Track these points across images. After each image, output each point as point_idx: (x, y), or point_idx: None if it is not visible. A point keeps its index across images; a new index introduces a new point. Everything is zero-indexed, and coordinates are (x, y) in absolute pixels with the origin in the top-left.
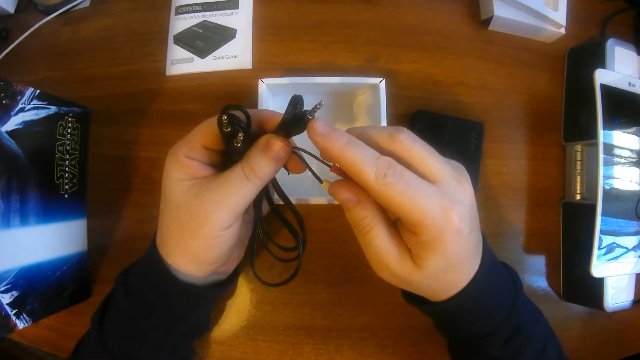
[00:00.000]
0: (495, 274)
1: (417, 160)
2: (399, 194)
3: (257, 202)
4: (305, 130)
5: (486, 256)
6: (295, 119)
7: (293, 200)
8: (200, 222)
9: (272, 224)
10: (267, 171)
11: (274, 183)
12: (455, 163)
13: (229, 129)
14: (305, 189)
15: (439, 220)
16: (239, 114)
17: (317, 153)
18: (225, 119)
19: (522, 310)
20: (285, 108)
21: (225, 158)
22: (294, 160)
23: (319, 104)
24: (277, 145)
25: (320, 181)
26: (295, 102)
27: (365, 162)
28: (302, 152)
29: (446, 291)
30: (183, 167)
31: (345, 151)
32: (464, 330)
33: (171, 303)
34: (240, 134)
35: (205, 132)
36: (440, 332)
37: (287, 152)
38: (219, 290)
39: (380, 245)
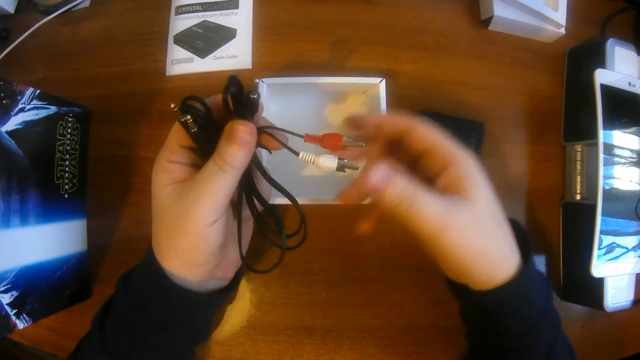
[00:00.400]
0: (534, 264)
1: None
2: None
3: (240, 185)
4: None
5: (529, 250)
6: (238, 100)
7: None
8: (184, 221)
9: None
10: (238, 158)
11: (259, 169)
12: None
13: (183, 118)
14: (305, 189)
15: (448, 147)
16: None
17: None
18: (174, 107)
19: (552, 303)
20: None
21: (203, 156)
22: (268, 138)
23: (255, 82)
24: (240, 130)
25: (297, 153)
26: (227, 85)
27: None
28: (274, 130)
29: (496, 254)
30: (165, 172)
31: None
32: (515, 318)
33: (169, 307)
34: (189, 117)
35: (177, 131)
36: (473, 328)
37: (252, 134)
38: (217, 297)
39: (432, 203)
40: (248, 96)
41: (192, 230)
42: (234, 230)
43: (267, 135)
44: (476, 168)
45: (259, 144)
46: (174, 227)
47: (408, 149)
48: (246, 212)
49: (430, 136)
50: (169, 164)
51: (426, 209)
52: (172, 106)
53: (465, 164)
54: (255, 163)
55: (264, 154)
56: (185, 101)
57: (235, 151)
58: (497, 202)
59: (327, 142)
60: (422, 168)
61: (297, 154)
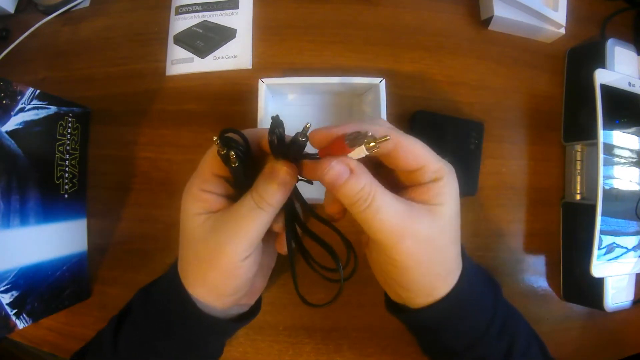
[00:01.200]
0: (477, 273)
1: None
2: (403, 147)
3: (287, 220)
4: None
5: (466, 259)
6: (281, 143)
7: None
8: (218, 255)
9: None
10: (277, 197)
11: (300, 201)
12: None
13: (224, 151)
14: (304, 190)
15: (439, 162)
16: (237, 137)
17: None
18: (216, 140)
19: (504, 307)
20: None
21: (237, 188)
22: (309, 169)
23: (307, 126)
24: (282, 171)
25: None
26: (273, 127)
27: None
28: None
29: (444, 280)
30: (198, 201)
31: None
32: (456, 332)
33: (191, 331)
34: (232, 153)
35: (211, 159)
36: (423, 344)
37: (293, 176)
38: (241, 324)
39: (390, 205)
40: (297, 138)
41: (225, 265)
42: (261, 259)
43: (307, 164)
44: (452, 180)
45: (301, 176)
46: (206, 260)
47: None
48: (269, 246)
49: (414, 155)
50: (202, 193)
51: (385, 211)
52: (214, 139)
53: (444, 179)
54: (297, 199)
55: None
56: (224, 133)
57: (275, 191)
58: (459, 216)
59: (334, 151)
60: (386, 170)
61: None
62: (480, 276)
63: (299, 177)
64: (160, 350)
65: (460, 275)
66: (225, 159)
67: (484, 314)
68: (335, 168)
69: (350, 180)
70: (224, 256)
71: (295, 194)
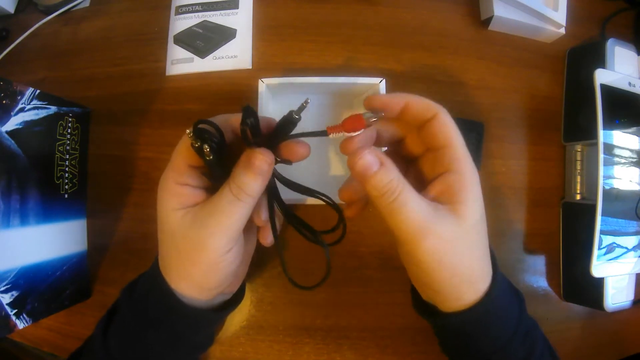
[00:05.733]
0: (504, 281)
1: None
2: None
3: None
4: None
5: (496, 266)
6: (255, 131)
7: (292, 201)
8: (199, 250)
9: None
10: (254, 187)
11: (275, 195)
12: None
13: (198, 144)
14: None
15: (467, 162)
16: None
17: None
18: (189, 133)
19: (527, 317)
20: (281, 113)
21: (214, 179)
22: (289, 150)
23: (305, 102)
24: (258, 159)
25: (326, 134)
26: (245, 117)
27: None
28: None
29: (470, 285)
30: (175, 195)
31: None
32: (485, 338)
33: (177, 325)
34: (206, 146)
35: (185, 150)
36: (447, 346)
37: (270, 164)
38: (225, 313)
39: (415, 202)
40: (291, 115)
41: (207, 260)
42: (245, 251)
43: (288, 145)
44: (476, 182)
45: (280, 158)
46: (187, 255)
47: (413, 145)
48: (251, 235)
49: (448, 130)
50: (177, 187)
51: (410, 207)
52: (187, 132)
53: (466, 175)
54: (272, 188)
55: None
56: (197, 125)
57: (252, 180)
58: (484, 222)
59: (349, 125)
60: (414, 172)
61: (327, 134)
62: (507, 284)
63: (278, 159)
64: (150, 343)
65: (492, 282)
66: (200, 152)
67: (509, 320)
68: (366, 158)
69: (380, 172)
70: (206, 251)
71: (270, 186)
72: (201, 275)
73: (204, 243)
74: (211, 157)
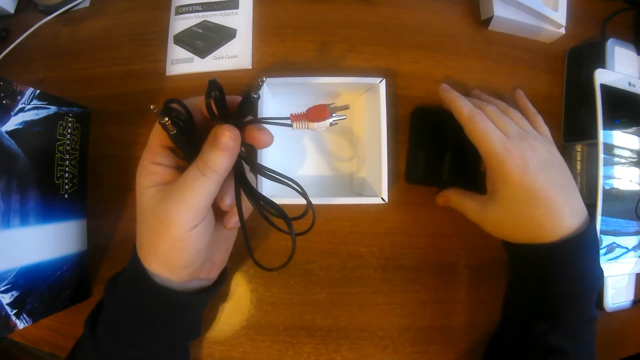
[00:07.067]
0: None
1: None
2: (478, 130)
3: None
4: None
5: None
6: (220, 104)
7: (292, 201)
8: (166, 226)
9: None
10: (221, 163)
11: (242, 179)
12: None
13: (164, 120)
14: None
15: (502, 152)
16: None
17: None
18: (154, 108)
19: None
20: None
21: (185, 159)
22: (252, 135)
23: (261, 80)
24: (224, 135)
25: (290, 125)
26: (210, 90)
27: (464, 105)
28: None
29: (539, 230)
30: (149, 174)
31: (454, 98)
32: (576, 272)
33: (154, 307)
34: (167, 119)
35: (159, 131)
36: (524, 280)
37: (236, 139)
38: (201, 296)
39: (470, 205)
40: (250, 95)
41: (173, 234)
42: (216, 233)
43: (251, 130)
44: (502, 172)
45: (244, 143)
46: (155, 231)
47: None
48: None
49: (472, 138)
50: (152, 166)
51: (468, 209)
52: (152, 107)
53: (494, 170)
54: (238, 167)
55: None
56: (167, 104)
57: (219, 156)
58: (527, 191)
59: (313, 114)
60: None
61: (291, 125)
62: (595, 254)
63: (245, 143)
64: (132, 333)
65: (585, 219)
66: (165, 128)
67: (597, 271)
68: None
69: (443, 197)
70: (171, 226)
71: (236, 166)
72: (168, 251)
73: (169, 218)
74: (175, 132)
